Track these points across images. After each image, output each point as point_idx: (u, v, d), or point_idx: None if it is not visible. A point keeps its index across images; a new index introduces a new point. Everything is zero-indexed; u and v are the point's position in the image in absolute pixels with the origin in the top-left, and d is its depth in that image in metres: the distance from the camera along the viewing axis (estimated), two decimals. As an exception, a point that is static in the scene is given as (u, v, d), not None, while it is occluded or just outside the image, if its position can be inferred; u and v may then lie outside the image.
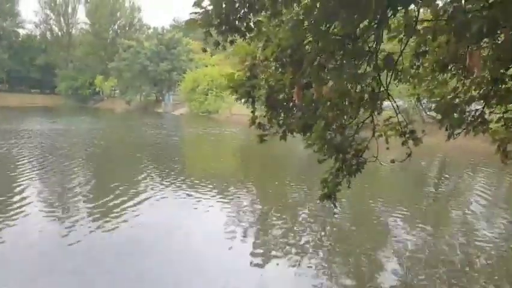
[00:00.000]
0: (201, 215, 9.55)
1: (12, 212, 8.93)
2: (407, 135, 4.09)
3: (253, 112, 3.97)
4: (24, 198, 10.01)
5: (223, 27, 3.75)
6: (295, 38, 3.45)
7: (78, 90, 70.24)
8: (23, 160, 15.54)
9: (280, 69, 3.87)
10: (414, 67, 4.55)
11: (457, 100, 4.54)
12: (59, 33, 78.06)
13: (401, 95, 17.67)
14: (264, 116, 4.00)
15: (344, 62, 3.25)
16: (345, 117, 3.91)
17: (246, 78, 3.92)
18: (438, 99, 4.72)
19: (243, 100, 4.06)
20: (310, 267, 6.70)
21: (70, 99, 70.96)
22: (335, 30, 3.31)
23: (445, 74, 4.58)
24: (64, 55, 73.56)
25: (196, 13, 3.71)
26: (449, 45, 3.73)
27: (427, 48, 4.24)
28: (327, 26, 3.27)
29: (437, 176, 16.88)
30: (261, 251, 7.35)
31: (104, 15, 71.06)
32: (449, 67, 4.46)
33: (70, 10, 77.62)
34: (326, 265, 6.86)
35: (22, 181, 11.95)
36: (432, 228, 9.10)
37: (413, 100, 21.00)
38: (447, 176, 17.04)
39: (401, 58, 3.76)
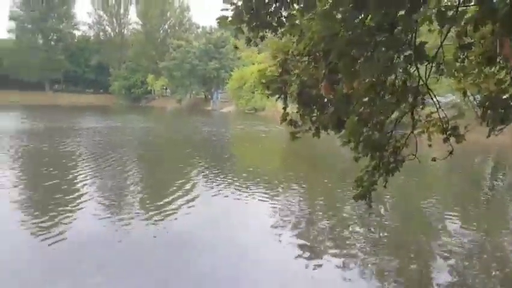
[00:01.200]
0: (251, 211, 9.62)
1: (72, 207, 9.29)
2: (448, 132, 3.87)
3: (284, 108, 3.89)
4: (83, 194, 10.35)
5: (254, 23, 3.70)
6: (327, 31, 3.34)
7: (131, 90, 72.40)
8: (83, 157, 16.20)
9: (313, 64, 3.76)
10: (459, 60, 4.30)
11: (506, 95, 4.26)
12: (112, 33, 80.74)
13: (452, 89, 16.95)
14: (297, 112, 3.91)
15: (377, 53, 3.10)
16: (381, 112, 3.74)
17: (278, 74, 3.84)
18: (485, 94, 4.45)
19: (275, 97, 3.99)
20: (358, 264, 6.58)
21: (123, 98, 73.27)
22: (368, 20, 3.17)
23: (492, 68, 4.30)
24: (117, 55, 76.02)
25: (227, 9, 3.69)
26: (494, 36, 3.48)
27: (472, 40, 3.99)
28: (359, 16, 3.14)
29: (489, 174, 16.10)
30: (309, 246, 7.33)
31: (155, 15, 72.91)
32: (497, 59, 4.19)
33: (122, 11, 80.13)
34: (375, 262, 6.69)
35: (81, 176, 12.45)
36: (487, 227, 8.68)
37: (461, 95, 20.07)
38: (500, 174, 16.21)
39: (441, 50, 3.56)
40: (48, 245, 7.04)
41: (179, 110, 58.31)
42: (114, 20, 79.96)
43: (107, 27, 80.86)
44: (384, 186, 4.03)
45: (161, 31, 75.38)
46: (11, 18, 76.20)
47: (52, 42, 77.21)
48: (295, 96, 3.80)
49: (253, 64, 56.01)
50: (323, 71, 3.50)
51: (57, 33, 76.82)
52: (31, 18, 74.46)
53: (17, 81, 78.73)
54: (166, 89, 71.38)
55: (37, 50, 74.77)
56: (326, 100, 3.88)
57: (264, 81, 3.91)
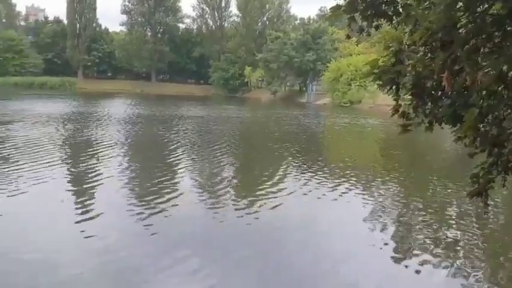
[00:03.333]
0: (342, 206, 9.47)
1: (168, 193, 9.79)
2: None
3: (396, 100, 3.79)
4: (178, 182, 10.94)
5: (369, 12, 3.65)
6: (447, 20, 3.20)
7: (228, 81, 74.62)
8: (178, 143, 17.17)
9: (429, 55, 3.62)
10: None
11: None
12: (213, 26, 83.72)
13: None
14: (409, 105, 3.79)
15: (503, 44, 2.91)
16: (503, 107, 3.50)
17: (391, 65, 3.75)
18: None
19: (386, 88, 3.90)
20: (459, 267, 6.24)
21: (221, 89, 75.81)
22: (493, 9, 2.99)
23: None
24: (217, 47, 78.65)
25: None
26: None
27: None
28: (484, 5, 2.97)
29: None
30: (404, 247, 7.07)
31: (255, 7, 74.29)
32: None
33: (223, 4, 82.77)
34: (478, 265, 6.33)
35: (176, 163, 13.22)
36: None
37: None
38: None
39: None
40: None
41: (274, 102, 59.01)
42: (216, 13, 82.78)
43: (209, 20, 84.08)
44: (503, 186, 3.78)
45: (260, 23, 76.61)
46: (123, 12, 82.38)
47: (159, 35, 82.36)
48: (409, 87, 3.68)
49: (351, 55, 54.81)
50: (441, 62, 3.36)
51: (164, 26, 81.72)
52: (141, 12, 79.87)
53: (127, 71, 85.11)
54: (262, 80, 72.49)
55: (146, 42, 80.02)
56: (440, 92, 3.72)
57: (375, 71, 3.84)
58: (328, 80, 52.24)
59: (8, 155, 12.92)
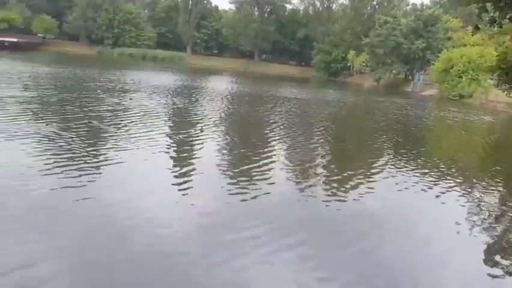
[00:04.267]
0: (437, 205, 9.07)
1: (262, 172, 10.02)
2: None
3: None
4: (274, 162, 11.00)
5: (503, 2, 3.62)
6: None
7: (330, 64, 73.64)
8: (280, 124, 17.60)
9: None
10: None
11: None
12: (321, 8, 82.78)
13: None
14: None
15: None
16: None
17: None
18: None
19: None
20: None
21: (322, 72, 75.13)
22: None
23: None
24: (322, 29, 77.65)
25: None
26: None
27: None
28: None
29: None
30: (498, 256, 6.68)
31: (365, -10, 72.17)
32: None
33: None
34: None
35: (275, 144, 13.60)
36: None
37: None
38: None
39: None
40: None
41: (377, 89, 57.28)
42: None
43: (316, 1, 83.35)
44: None
45: (369, 7, 74.14)
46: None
47: (266, 14, 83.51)
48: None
49: (465, 46, 51.17)
50: None
51: (271, 6, 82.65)
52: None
53: (232, 49, 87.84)
54: (366, 65, 70.52)
55: (252, 21, 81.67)
56: None
57: (502, 66, 3.79)
58: (437, 70, 49.36)
59: (131, 121, 14.32)
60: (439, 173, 11.52)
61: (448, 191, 9.92)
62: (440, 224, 7.92)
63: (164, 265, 5.29)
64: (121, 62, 60.83)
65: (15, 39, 64.14)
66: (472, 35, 52.30)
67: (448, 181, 10.72)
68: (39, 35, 78.18)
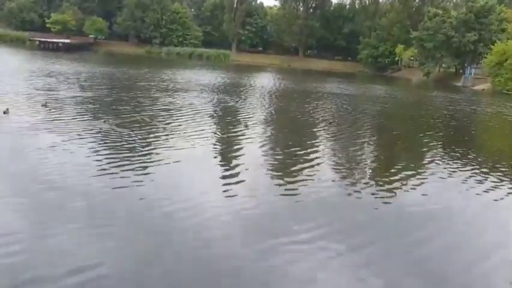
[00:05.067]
0: (489, 204, 8.89)
1: (307, 169, 10.18)
2: None
3: None
4: (318, 158, 11.21)
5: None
6: None
7: (377, 59, 72.49)
8: (324, 119, 17.81)
9: None
10: None
11: None
12: (367, 1, 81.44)
13: None
14: None
15: None
16: None
17: None
18: None
19: None
20: None
21: (369, 67, 74.14)
22: None
23: None
24: (369, 24, 76.40)
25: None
26: None
27: None
28: None
29: None
30: None
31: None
32: None
33: (380, -21, 79.74)
34: None
35: (319, 140, 13.81)
36: None
37: None
38: None
39: None
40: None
41: (426, 83, 55.85)
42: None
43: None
44: None
45: (418, 0, 72.32)
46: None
47: (311, 10, 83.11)
48: None
49: (521, 38, 49.08)
50: None
51: (316, 1, 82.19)
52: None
53: (276, 46, 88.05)
54: (414, 60, 68.84)
55: (297, 17, 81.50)
56: None
57: None
58: (490, 64, 47.57)
59: (186, 120, 15.01)
60: (489, 171, 11.26)
61: (499, 188, 9.76)
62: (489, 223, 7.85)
63: (216, 268, 5.40)
64: (169, 60, 62.48)
65: (68, 41, 67.07)
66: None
67: (499, 179, 10.48)
68: (91, 36, 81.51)
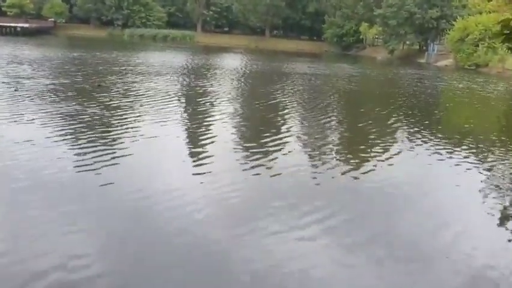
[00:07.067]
0: (453, 176, 9.12)
1: (277, 147, 10.20)
2: None
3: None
4: (287, 137, 11.29)
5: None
6: None
7: (342, 38, 73.17)
8: (293, 100, 18.06)
9: None
10: None
11: None
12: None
13: None
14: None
15: None
16: None
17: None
18: None
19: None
20: None
21: (334, 46, 74.82)
22: None
23: None
24: (334, 2, 76.54)
25: None
26: None
27: None
28: None
29: None
30: None
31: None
32: None
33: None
34: None
35: (287, 121, 13.76)
36: None
37: None
38: None
39: None
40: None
41: (391, 61, 56.91)
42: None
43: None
44: None
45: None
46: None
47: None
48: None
49: (480, 14, 50.58)
50: None
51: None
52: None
53: (242, 26, 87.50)
54: (378, 38, 70.00)
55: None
56: None
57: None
58: (452, 40, 49.11)
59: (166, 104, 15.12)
60: (451, 144, 11.64)
61: (462, 160, 10.06)
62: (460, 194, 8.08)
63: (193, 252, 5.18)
64: (134, 43, 61.14)
65: (27, 25, 64.35)
66: (488, 1, 51.53)
67: (461, 151, 10.87)
68: (50, 19, 78.62)
